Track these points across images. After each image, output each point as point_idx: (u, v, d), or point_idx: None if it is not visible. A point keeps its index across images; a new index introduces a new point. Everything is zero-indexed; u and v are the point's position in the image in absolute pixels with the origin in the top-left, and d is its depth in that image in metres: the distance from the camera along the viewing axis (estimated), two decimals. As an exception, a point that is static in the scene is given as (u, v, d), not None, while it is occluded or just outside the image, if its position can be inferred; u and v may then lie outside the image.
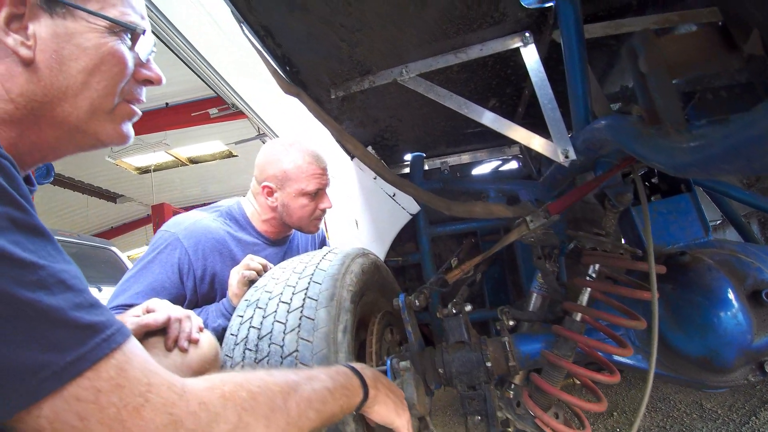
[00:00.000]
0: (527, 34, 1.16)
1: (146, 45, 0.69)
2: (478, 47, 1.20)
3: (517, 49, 1.19)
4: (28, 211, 0.44)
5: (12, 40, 0.55)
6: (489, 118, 1.19)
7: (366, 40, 1.13)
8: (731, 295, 1.06)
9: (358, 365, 0.82)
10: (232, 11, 0.94)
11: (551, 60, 1.27)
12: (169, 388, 0.47)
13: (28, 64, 0.56)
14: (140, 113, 0.74)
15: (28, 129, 0.59)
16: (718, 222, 2.53)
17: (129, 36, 0.65)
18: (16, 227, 0.42)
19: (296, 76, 1.26)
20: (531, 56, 1.16)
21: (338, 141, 1.08)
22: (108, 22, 0.62)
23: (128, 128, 0.70)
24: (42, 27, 0.57)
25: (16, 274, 0.40)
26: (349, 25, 1.06)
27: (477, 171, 2.14)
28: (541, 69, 1.15)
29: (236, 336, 1.07)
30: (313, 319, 1.00)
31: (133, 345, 0.48)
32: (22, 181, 0.46)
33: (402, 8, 1.02)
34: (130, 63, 0.66)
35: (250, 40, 1.04)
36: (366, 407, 0.79)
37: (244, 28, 0.99)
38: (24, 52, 0.56)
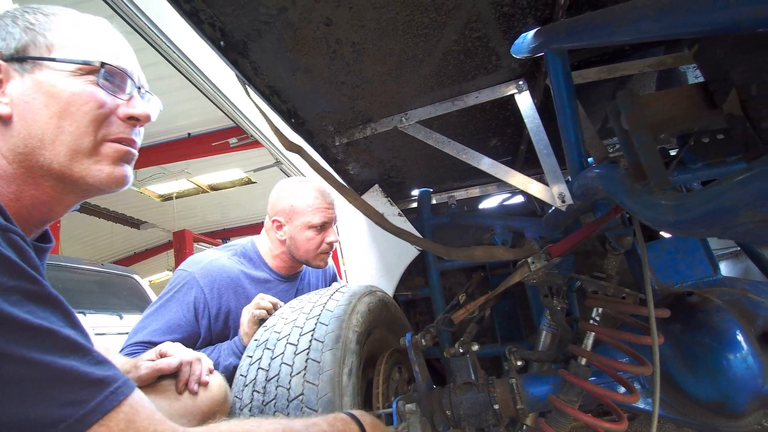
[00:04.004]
0: (521, 82, 1.19)
1: (122, 81, 0.69)
2: (475, 95, 1.24)
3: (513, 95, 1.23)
4: (37, 281, 0.49)
5: None
6: (487, 164, 1.22)
7: (366, 93, 1.18)
8: (741, 337, 1.04)
9: (358, 412, 0.83)
10: (237, 75, 0.99)
11: (549, 104, 1.29)
12: None
13: (7, 120, 0.62)
14: (134, 152, 0.71)
15: (25, 183, 0.63)
16: (738, 248, 2.45)
17: (103, 75, 0.66)
18: (28, 298, 0.47)
19: (302, 127, 1.32)
20: (525, 103, 1.19)
21: (340, 193, 1.13)
22: (70, 64, 0.64)
23: (121, 169, 0.68)
24: (15, 84, 0.63)
25: (32, 340, 0.45)
26: (349, 82, 1.11)
27: (485, 204, 2.15)
28: (536, 115, 1.17)
29: (245, 377, 1.09)
30: (319, 362, 1.01)
31: (139, 396, 0.52)
32: (32, 253, 0.51)
33: (399, 66, 1.07)
34: (106, 100, 0.66)
35: (253, 100, 1.09)
36: None
37: (248, 89, 1.05)
38: (2, 109, 0.62)
